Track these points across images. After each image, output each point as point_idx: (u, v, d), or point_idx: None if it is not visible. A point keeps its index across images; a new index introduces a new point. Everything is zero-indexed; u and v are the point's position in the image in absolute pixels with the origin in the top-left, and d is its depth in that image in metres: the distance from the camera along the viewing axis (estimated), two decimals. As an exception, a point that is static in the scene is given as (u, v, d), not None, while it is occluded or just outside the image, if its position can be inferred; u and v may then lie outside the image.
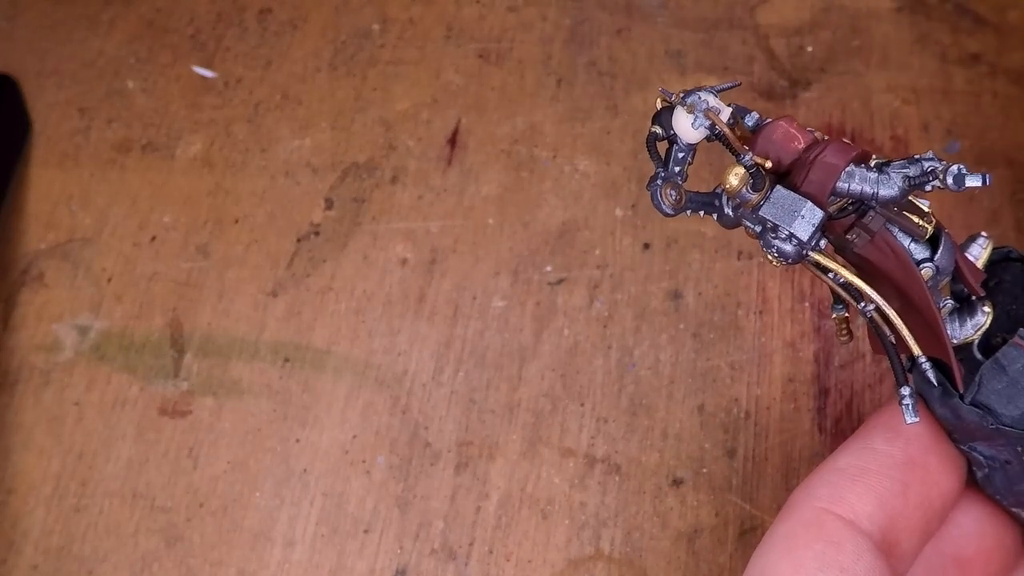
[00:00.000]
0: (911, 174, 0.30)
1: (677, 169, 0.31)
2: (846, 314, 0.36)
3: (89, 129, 0.58)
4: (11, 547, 0.48)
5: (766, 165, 0.30)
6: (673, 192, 0.30)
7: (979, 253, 0.33)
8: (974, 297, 0.32)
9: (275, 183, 0.55)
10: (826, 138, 0.31)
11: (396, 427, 0.48)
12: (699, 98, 0.30)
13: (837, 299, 0.35)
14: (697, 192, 0.31)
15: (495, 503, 0.46)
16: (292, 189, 0.55)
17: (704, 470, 0.46)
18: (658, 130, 0.31)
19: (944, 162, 0.30)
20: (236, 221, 0.54)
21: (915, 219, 0.31)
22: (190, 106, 0.58)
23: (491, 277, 0.51)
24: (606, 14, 0.58)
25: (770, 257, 0.30)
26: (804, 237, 0.29)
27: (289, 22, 0.60)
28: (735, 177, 0.29)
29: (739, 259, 0.50)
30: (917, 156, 0.30)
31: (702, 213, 0.31)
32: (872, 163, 0.30)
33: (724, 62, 0.55)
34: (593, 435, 0.47)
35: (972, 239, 0.33)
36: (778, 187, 0.30)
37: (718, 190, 0.31)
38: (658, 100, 0.32)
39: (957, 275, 0.32)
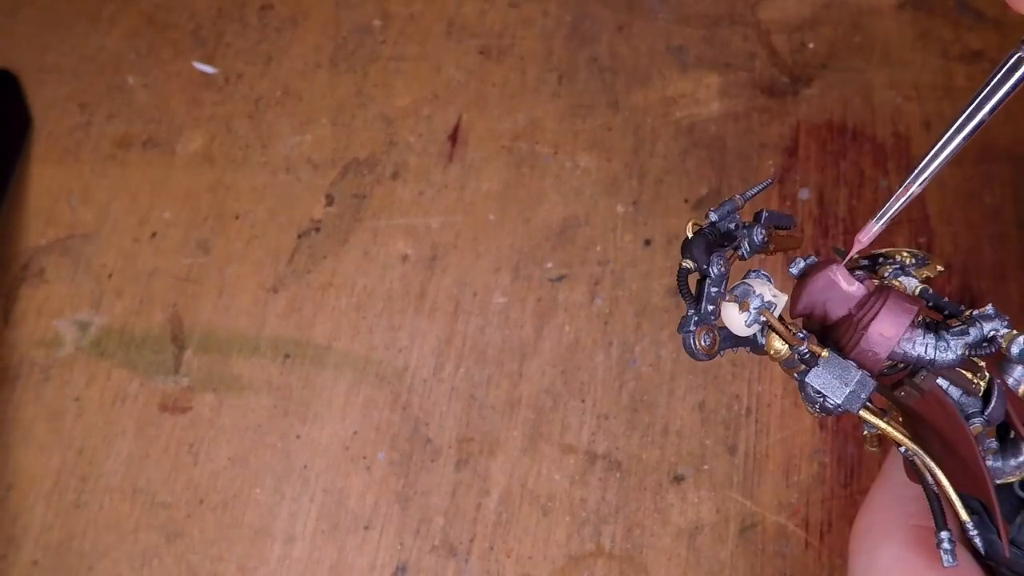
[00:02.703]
0: (971, 341, 0.27)
1: (711, 308, 0.28)
2: (878, 432, 0.34)
3: (89, 125, 0.58)
4: (11, 543, 0.48)
5: (823, 355, 0.27)
6: (707, 337, 0.28)
7: (1021, 376, 0.30)
8: (1013, 435, 0.30)
9: (276, 179, 0.55)
10: (876, 284, 0.28)
11: (397, 423, 0.48)
12: (752, 291, 0.27)
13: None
14: (729, 332, 0.28)
15: (496, 499, 0.46)
16: (293, 185, 0.55)
17: (705, 466, 0.46)
18: (689, 264, 0.28)
19: (1006, 323, 0.27)
20: (236, 217, 0.54)
21: (968, 375, 0.28)
22: (190, 102, 0.58)
23: (492, 273, 0.51)
24: (607, 10, 0.58)
25: (810, 410, 0.28)
26: (853, 409, 0.27)
27: (290, 18, 0.60)
28: (782, 343, 0.27)
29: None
30: (974, 313, 0.28)
31: (736, 349, 0.29)
32: (926, 320, 0.28)
33: (725, 58, 0.55)
34: (594, 431, 0.47)
35: (1011, 367, 0.30)
36: (829, 354, 0.27)
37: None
38: (689, 225, 0.29)
39: (1006, 419, 0.30)
